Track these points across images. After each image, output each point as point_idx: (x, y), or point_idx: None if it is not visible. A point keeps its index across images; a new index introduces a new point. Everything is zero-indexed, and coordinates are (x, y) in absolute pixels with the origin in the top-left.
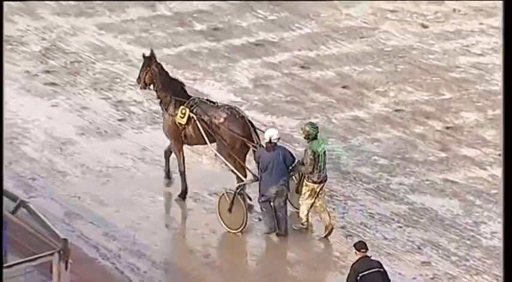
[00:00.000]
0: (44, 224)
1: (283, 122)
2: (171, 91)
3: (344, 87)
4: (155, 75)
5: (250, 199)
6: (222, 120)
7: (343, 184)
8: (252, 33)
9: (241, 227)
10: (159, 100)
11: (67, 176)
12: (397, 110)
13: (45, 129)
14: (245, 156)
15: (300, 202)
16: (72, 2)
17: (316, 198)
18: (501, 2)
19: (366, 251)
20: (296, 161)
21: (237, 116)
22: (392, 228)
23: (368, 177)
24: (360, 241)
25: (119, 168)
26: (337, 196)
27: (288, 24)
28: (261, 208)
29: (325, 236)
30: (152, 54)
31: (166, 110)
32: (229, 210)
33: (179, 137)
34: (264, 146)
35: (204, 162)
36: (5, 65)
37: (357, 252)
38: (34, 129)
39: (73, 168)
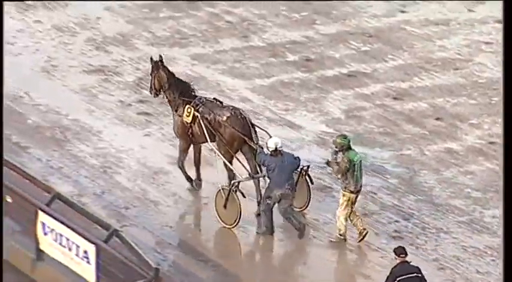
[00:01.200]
0: (136, 253)
1: (376, 153)
2: (179, 92)
3: (437, 119)
4: (163, 79)
5: (244, 196)
6: (224, 118)
7: (435, 216)
8: (344, 64)
9: (235, 223)
10: (167, 101)
11: (159, 205)
12: (491, 143)
13: (138, 158)
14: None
15: (338, 213)
16: (166, 33)
17: (352, 207)
18: None
19: (405, 256)
20: (299, 162)
21: (239, 116)
22: (485, 261)
23: (461, 209)
24: (399, 246)
25: (210, 198)
26: (429, 228)
27: (381, 55)
28: (262, 209)
29: (360, 240)
30: (160, 59)
31: (176, 111)
32: (224, 206)
33: (186, 136)
34: (268, 152)
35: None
36: (100, 95)
37: (396, 257)
38: (127, 159)
39: (165, 198)
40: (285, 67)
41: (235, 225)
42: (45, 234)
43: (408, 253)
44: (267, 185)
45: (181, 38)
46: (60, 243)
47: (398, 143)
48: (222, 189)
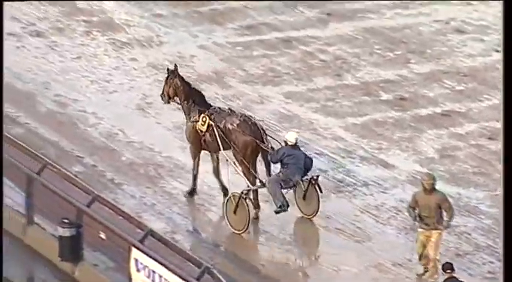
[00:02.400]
0: None
1: (470, 193)
2: (193, 101)
3: None
4: (178, 88)
5: (254, 205)
6: (235, 125)
7: None
8: (438, 103)
9: (244, 229)
10: (182, 110)
11: (251, 243)
12: None
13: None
14: (255, 161)
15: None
16: (259, 71)
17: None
18: None
19: (452, 272)
20: (312, 162)
21: (249, 123)
22: None
23: None
24: (447, 262)
25: (303, 237)
26: None
27: (476, 94)
28: (271, 188)
29: (421, 274)
30: (175, 69)
31: (189, 118)
32: (234, 212)
33: (198, 143)
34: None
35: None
36: None
37: (443, 272)
38: (220, 196)
39: (257, 235)
40: (379, 106)
41: (244, 231)
42: (138, 270)
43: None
44: (283, 172)
45: (274, 76)
46: (153, 280)
47: (493, 183)
48: (233, 195)
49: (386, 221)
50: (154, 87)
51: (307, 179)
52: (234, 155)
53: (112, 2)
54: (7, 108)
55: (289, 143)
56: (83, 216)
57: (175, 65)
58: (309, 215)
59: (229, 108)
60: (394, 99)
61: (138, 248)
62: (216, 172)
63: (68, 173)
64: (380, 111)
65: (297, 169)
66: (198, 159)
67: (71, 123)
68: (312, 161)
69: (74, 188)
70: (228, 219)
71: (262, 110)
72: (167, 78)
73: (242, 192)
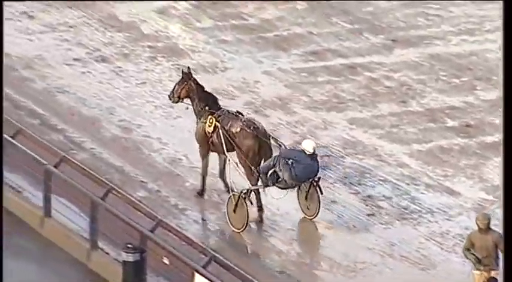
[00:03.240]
0: None
1: None
2: (206, 103)
3: None
4: (192, 90)
5: (252, 203)
6: (238, 129)
7: None
8: None
9: (243, 228)
10: (194, 111)
11: (314, 270)
12: None
13: (294, 222)
14: (258, 164)
15: None
16: (323, 98)
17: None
18: None
19: None
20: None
21: (252, 127)
22: None
23: None
24: (492, 277)
25: (367, 264)
26: None
27: None
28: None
29: None
30: (189, 71)
31: (199, 119)
32: (234, 211)
33: (206, 144)
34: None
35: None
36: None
37: None
38: (283, 222)
39: (321, 262)
40: (444, 132)
41: (243, 230)
42: None
43: None
44: (284, 172)
45: (339, 102)
46: None
47: None
48: (233, 195)
49: (452, 248)
50: None
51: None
52: (238, 158)
53: (176, 26)
54: (72, 134)
55: (307, 153)
56: (146, 242)
57: (189, 67)
58: (310, 216)
59: (237, 111)
60: (459, 126)
61: (201, 274)
62: (222, 174)
63: (132, 198)
64: (445, 138)
65: (295, 174)
66: (207, 161)
67: (135, 148)
68: (317, 169)
69: (138, 213)
70: (228, 218)
71: (326, 136)
72: (181, 79)
73: (241, 192)
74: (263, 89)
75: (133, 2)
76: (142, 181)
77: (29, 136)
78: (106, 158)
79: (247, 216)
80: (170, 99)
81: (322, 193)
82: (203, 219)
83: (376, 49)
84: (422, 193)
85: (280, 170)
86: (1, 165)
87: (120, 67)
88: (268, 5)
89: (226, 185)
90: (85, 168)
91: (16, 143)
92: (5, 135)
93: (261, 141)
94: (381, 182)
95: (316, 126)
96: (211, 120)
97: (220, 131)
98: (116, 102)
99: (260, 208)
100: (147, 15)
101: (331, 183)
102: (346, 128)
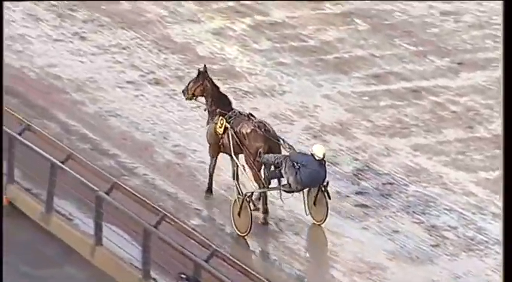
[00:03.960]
0: None
1: None
2: (219, 104)
3: None
4: (207, 90)
5: (255, 207)
6: (249, 131)
7: None
8: None
9: (247, 232)
10: (207, 111)
11: None
12: None
13: (355, 252)
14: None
15: None
16: (386, 123)
17: None
18: None
19: None
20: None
21: (262, 129)
22: None
23: None
24: None
25: None
26: None
27: None
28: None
29: None
30: (205, 70)
31: (212, 119)
32: (238, 214)
33: (217, 145)
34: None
35: None
36: None
37: None
38: (343, 253)
39: None
40: None
41: (247, 234)
42: None
43: None
44: (289, 176)
45: (402, 128)
46: None
47: None
48: (238, 198)
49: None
50: None
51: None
52: (245, 160)
53: (232, 48)
54: (124, 159)
55: (316, 158)
56: (200, 271)
57: (205, 65)
58: (318, 221)
59: (249, 113)
60: None
61: None
62: (236, 176)
63: (186, 226)
64: None
65: (300, 179)
66: (215, 161)
67: (189, 175)
68: (324, 176)
69: (192, 242)
70: (233, 222)
71: (388, 163)
72: (196, 77)
73: (245, 195)
74: (322, 114)
75: (188, 22)
76: (196, 208)
77: (79, 161)
78: (159, 184)
79: (251, 220)
80: (184, 95)
81: (330, 198)
82: (261, 250)
83: (441, 72)
84: (489, 223)
85: (286, 173)
86: (1, 165)
87: (174, 90)
88: (329, 26)
89: (238, 188)
90: (137, 194)
91: (66, 169)
92: (55, 160)
93: (271, 144)
94: (446, 211)
95: (378, 153)
96: (221, 121)
97: (229, 132)
98: (169, 126)
99: (265, 210)
100: (202, 36)
101: (393, 212)
102: (410, 154)
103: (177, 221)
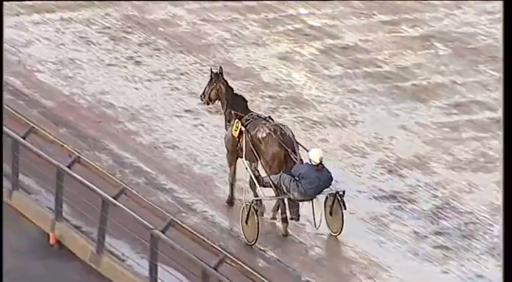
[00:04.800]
0: None
1: None
2: (234, 106)
3: None
4: (222, 92)
5: (262, 215)
6: (264, 135)
7: None
8: None
9: (254, 241)
10: (224, 116)
11: None
12: None
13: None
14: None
15: None
16: (468, 156)
17: None
18: None
19: None
20: (331, 181)
21: (278, 133)
22: None
23: None
24: None
25: None
26: None
27: None
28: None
29: None
30: (220, 71)
31: (229, 123)
32: (246, 222)
33: (234, 150)
34: (311, 163)
35: None
36: (391, 225)
37: None
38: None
39: None
40: None
41: (254, 243)
42: None
43: None
44: (293, 192)
45: (486, 162)
46: None
47: None
48: (246, 205)
49: None
50: (348, 172)
51: (332, 194)
52: (262, 165)
53: (300, 74)
54: (182, 194)
55: (313, 163)
56: None
57: (220, 67)
58: (334, 233)
59: (268, 116)
60: None
61: None
62: (252, 186)
63: (249, 268)
64: None
65: (304, 191)
66: (234, 168)
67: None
68: (331, 180)
69: None
70: (242, 230)
71: (471, 201)
72: (210, 80)
73: (252, 202)
74: (399, 146)
75: (252, 46)
76: (261, 249)
77: (133, 197)
78: (219, 221)
79: (258, 228)
80: (202, 100)
81: (345, 208)
82: None
83: None
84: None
85: (289, 190)
86: (1, 165)
87: None
88: (406, 51)
89: (255, 195)
90: (196, 233)
91: (119, 205)
92: (107, 196)
93: (288, 149)
94: None
95: (459, 189)
96: (237, 125)
97: (244, 136)
98: None
99: (284, 219)
100: (267, 61)
101: (477, 255)
102: (495, 191)
103: (238, 263)
